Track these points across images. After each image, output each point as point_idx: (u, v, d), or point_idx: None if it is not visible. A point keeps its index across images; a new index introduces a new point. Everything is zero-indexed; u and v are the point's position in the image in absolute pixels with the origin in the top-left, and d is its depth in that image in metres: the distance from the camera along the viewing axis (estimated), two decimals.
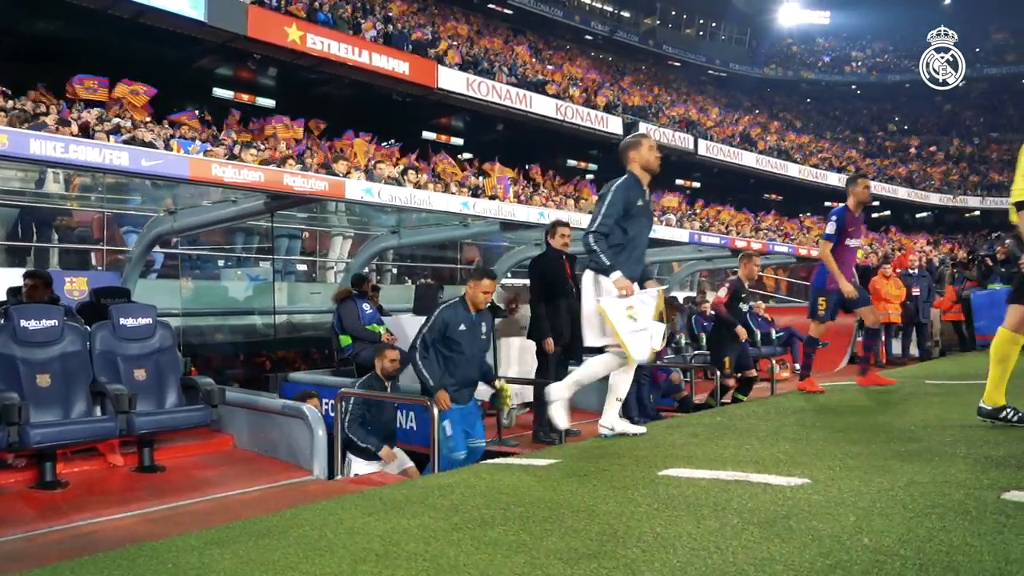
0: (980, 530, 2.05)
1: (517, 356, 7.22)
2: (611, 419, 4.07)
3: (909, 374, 7.09)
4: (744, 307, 6.79)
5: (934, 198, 35.47)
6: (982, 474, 2.68)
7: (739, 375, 6.89)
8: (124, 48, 15.70)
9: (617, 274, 3.83)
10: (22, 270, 8.02)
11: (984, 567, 1.79)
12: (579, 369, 4.29)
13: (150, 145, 11.64)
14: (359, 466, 5.18)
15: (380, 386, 5.34)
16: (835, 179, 32.35)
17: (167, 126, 13.72)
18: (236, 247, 11.32)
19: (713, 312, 7.12)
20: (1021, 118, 38.52)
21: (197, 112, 14.95)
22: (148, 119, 13.33)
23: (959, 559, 1.85)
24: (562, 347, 5.79)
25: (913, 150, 38.03)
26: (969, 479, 2.62)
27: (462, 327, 4.76)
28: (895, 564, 1.84)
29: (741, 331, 6.64)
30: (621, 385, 4.08)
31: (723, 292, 6.79)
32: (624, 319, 3.81)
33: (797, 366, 10.02)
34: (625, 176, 4.07)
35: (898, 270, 10.53)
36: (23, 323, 4.56)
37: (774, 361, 8.40)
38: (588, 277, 4.01)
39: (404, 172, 15.96)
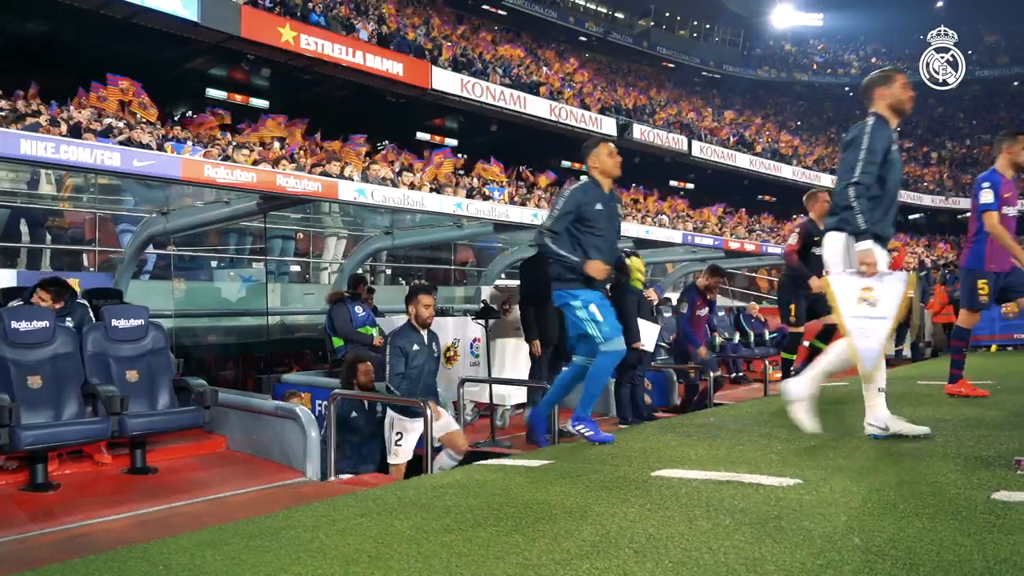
0: (970, 530, 2.06)
1: (511, 357, 7.23)
2: (881, 415, 3.40)
3: (902, 374, 7.12)
4: (819, 251, 5.41)
5: (927, 199, 35.63)
6: (972, 474, 2.70)
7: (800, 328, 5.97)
8: (117, 49, 15.64)
9: (866, 244, 3.20)
10: (14, 271, 7.99)
11: (974, 567, 1.80)
12: (825, 356, 3.57)
13: (146, 147, 11.60)
14: (402, 424, 5.06)
15: (418, 337, 5.11)
16: (829, 180, 32.42)
17: (159, 126, 13.67)
18: (229, 248, 11.29)
19: (784, 262, 6.21)
20: (1013, 120, 38.71)
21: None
22: (143, 120, 13.29)
23: (949, 559, 1.86)
24: (552, 348, 5.81)
25: (905, 152, 38.19)
26: (959, 479, 2.64)
27: (598, 206, 3.98)
28: (885, 564, 1.85)
29: (815, 282, 5.49)
30: (880, 374, 3.32)
31: (794, 239, 5.81)
32: (855, 302, 3.17)
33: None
34: (874, 117, 3.45)
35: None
36: (14, 324, 4.54)
37: (767, 362, 8.41)
38: (837, 240, 3.42)
39: (400, 173, 15.93)
